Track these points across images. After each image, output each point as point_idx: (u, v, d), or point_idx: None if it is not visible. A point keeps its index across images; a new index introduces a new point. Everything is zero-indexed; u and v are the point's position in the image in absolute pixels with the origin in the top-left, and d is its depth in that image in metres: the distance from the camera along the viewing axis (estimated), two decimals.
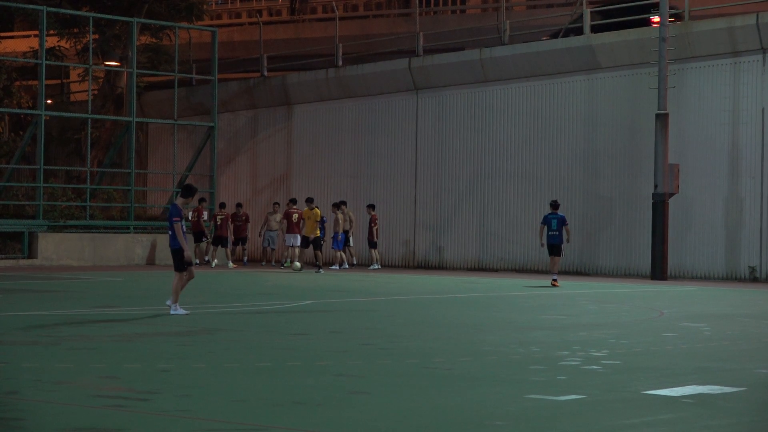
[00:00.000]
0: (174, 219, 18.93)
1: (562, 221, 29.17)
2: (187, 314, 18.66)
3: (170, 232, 18.98)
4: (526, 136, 38.25)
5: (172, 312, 18.77)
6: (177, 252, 19.01)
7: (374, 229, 39.08)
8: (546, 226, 29.25)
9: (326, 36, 48.12)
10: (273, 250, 40.36)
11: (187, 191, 19.51)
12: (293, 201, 39.42)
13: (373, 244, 39.07)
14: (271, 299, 23.20)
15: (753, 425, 9.77)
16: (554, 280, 29.10)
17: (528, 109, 38.26)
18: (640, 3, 36.78)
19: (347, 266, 38.61)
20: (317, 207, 36.67)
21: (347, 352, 14.44)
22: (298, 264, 35.77)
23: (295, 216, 38.34)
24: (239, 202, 41.35)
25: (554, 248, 29.20)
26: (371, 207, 39.34)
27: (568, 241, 29.39)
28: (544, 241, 29.37)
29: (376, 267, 38.53)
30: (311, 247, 36.76)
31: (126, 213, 40.07)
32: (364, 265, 39.91)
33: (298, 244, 38.21)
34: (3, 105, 41.51)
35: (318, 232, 36.14)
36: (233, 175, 44.29)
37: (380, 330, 17.32)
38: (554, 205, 29.42)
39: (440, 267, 39.63)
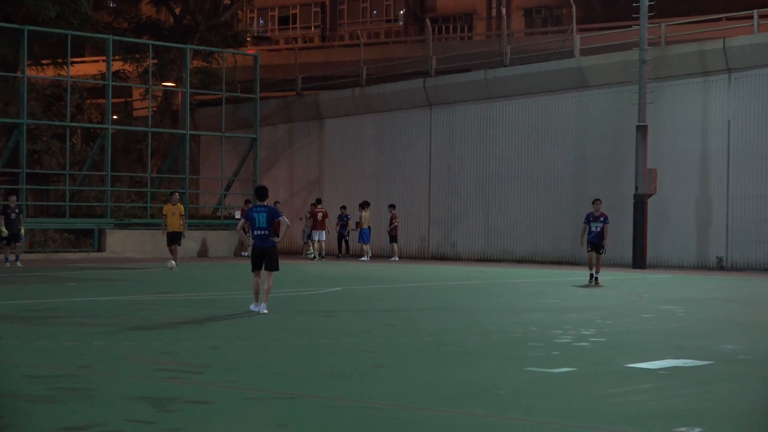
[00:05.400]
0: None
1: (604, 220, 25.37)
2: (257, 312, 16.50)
3: (266, 232, 16.51)
4: (525, 145, 38.15)
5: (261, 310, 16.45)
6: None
7: (395, 225, 39.05)
8: (588, 226, 25.49)
9: (352, 59, 48.02)
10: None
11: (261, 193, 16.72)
12: (318, 201, 39.38)
13: (393, 239, 39.03)
14: (306, 286, 23.22)
15: (719, 393, 9.75)
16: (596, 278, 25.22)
17: (526, 122, 38.16)
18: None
19: (369, 257, 38.57)
20: (180, 202, 32.43)
21: (371, 331, 14.46)
22: (173, 262, 28.82)
23: (320, 215, 38.32)
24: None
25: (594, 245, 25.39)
26: (392, 207, 39.28)
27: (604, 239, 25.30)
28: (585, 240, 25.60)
29: (396, 259, 38.48)
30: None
31: None
32: (385, 256, 39.88)
33: (324, 239, 38.29)
34: (76, 120, 41.59)
35: (182, 227, 30.55)
36: (273, 180, 44.26)
37: (400, 312, 17.33)
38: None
39: (452, 258, 39.56)
